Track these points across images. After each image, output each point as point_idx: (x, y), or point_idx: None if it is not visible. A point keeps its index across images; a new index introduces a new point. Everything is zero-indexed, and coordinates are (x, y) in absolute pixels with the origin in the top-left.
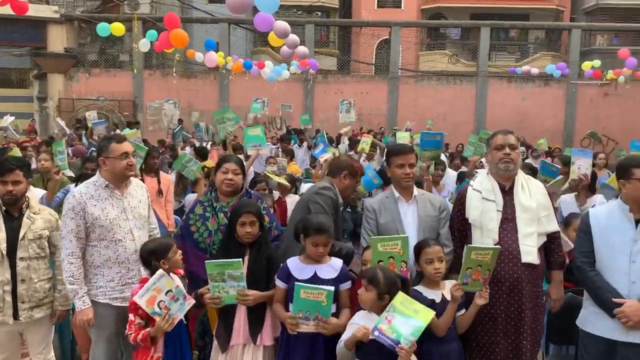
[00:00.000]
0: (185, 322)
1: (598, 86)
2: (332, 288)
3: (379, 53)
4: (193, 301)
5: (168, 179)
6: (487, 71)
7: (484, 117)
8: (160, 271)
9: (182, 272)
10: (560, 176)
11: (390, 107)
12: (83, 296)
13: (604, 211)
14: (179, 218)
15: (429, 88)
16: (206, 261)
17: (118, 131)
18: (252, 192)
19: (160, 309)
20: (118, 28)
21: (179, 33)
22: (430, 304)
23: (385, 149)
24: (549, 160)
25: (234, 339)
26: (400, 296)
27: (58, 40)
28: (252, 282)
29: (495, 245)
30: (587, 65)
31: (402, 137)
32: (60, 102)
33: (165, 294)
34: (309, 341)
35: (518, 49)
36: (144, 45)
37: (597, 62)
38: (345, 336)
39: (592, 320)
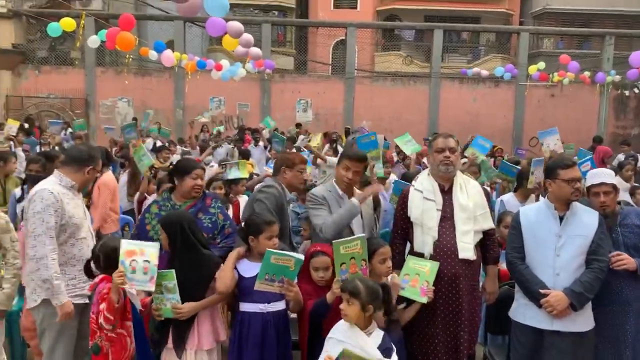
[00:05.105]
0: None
1: (545, 88)
2: (302, 256)
3: (335, 53)
4: (153, 287)
5: (104, 180)
6: (440, 72)
7: (437, 117)
8: (155, 243)
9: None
10: None
11: (346, 106)
12: (64, 291)
13: (533, 209)
14: (131, 219)
15: (384, 88)
16: None
17: (70, 130)
18: (208, 192)
19: (128, 265)
20: (68, 23)
21: (126, 36)
22: None
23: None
24: (490, 160)
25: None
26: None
27: (5, 36)
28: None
29: (434, 241)
30: (533, 69)
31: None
32: (8, 99)
33: (144, 261)
34: (260, 339)
35: (470, 51)
36: (93, 42)
37: (542, 65)
38: (324, 352)
39: (521, 311)
